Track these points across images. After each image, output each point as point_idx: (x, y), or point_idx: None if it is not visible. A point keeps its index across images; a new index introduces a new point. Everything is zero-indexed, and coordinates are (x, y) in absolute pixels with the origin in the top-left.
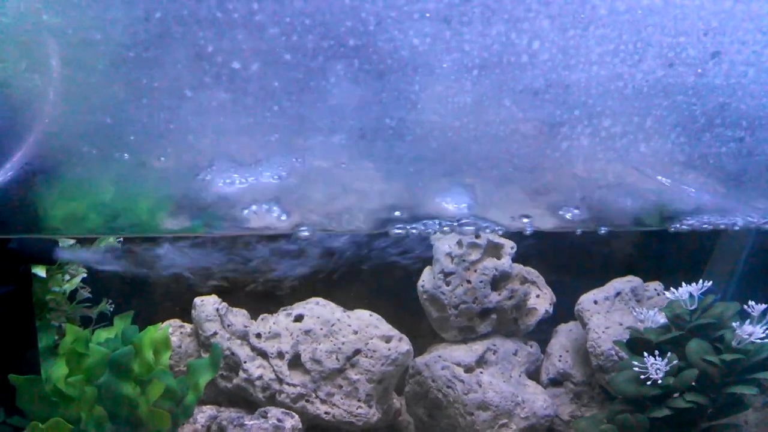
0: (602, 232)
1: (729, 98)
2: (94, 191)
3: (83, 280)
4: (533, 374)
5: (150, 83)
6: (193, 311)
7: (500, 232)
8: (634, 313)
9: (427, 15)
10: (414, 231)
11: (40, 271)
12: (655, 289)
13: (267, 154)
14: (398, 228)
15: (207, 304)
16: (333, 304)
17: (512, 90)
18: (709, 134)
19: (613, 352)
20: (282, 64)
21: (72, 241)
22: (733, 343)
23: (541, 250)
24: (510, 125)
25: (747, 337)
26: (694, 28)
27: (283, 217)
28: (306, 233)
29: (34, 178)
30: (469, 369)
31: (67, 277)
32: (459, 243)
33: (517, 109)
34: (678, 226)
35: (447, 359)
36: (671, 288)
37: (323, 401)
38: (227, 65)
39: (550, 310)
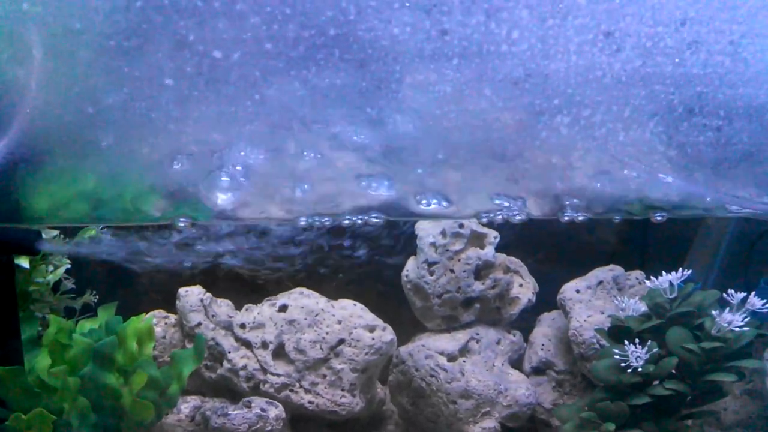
0: (582, 220)
1: (706, 88)
2: (77, 180)
3: (67, 271)
4: (516, 363)
5: (131, 72)
6: (177, 302)
7: (484, 221)
8: (616, 302)
9: (407, 4)
10: (396, 219)
11: (24, 262)
12: (637, 278)
13: (247, 143)
14: (380, 217)
15: (191, 295)
16: (317, 294)
17: (492, 79)
18: (687, 123)
19: (594, 341)
20: (263, 54)
21: (55, 232)
22: (713, 331)
23: (524, 239)
24: (490, 114)
25: (726, 325)
26: (671, 17)
27: (265, 207)
28: (286, 222)
29: (16, 168)
30: (452, 358)
31: (51, 268)
32: (443, 233)
33: (497, 98)
34: (657, 214)
35: (430, 348)
36: (651, 277)
37: (307, 391)
38: (208, 54)
39: (533, 299)
